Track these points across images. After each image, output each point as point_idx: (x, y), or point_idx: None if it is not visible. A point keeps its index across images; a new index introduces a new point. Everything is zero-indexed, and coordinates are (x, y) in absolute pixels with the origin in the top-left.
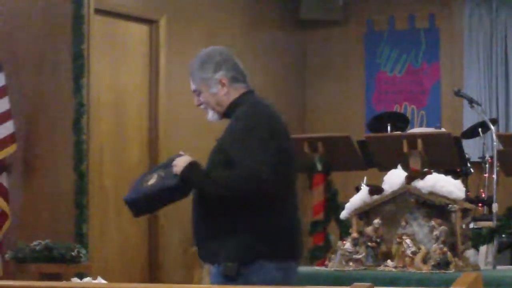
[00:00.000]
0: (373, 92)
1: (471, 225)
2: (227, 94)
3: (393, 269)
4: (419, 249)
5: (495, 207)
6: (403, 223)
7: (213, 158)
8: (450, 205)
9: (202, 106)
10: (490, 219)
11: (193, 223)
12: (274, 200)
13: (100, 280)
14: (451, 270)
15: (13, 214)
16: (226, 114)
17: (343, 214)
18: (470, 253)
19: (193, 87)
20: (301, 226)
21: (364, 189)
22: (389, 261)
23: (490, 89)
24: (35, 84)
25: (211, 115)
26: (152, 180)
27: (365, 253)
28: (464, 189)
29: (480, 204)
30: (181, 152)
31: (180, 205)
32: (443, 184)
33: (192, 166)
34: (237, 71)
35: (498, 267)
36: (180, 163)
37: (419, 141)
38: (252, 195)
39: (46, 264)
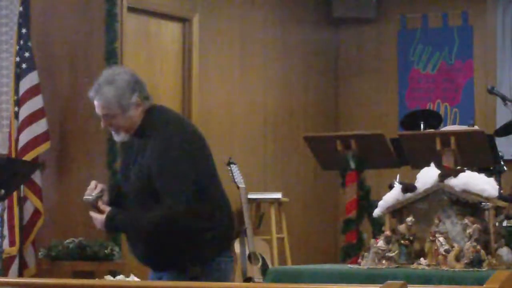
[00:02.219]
0: (406, 89)
1: (505, 223)
2: (140, 114)
3: (426, 267)
4: (452, 247)
5: None
6: (436, 221)
7: (138, 185)
8: (483, 203)
9: (112, 129)
10: None
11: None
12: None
13: (133, 278)
14: (485, 268)
15: (47, 212)
16: (135, 133)
17: (376, 212)
18: (503, 251)
19: (104, 111)
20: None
21: (397, 187)
22: (422, 259)
23: None
24: (68, 83)
25: (122, 137)
26: None
27: (398, 251)
28: (497, 187)
29: None
30: (88, 197)
31: None
32: (476, 182)
33: (110, 221)
34: (145, 89)
35: None
36: (98, 223)
37: (452, 139)
38: (176, 228)
39: (79, 262)
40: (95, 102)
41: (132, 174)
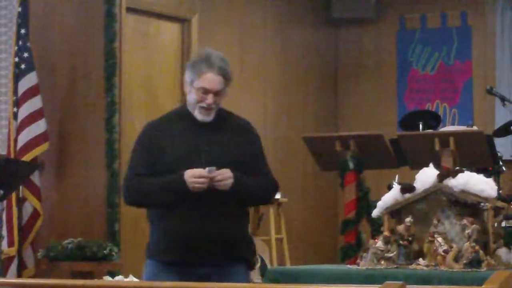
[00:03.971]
0: (405, 90)
1: (503, 224)
2: None
3: (425, 268)
4: (451, 247)
5: None
6: (435, 222)
7: (230, 163)
8: (482, 204)
9: (213, 106)
10: None
11: (215, 226)
12: None
13: (132, 278)
14: (483, 268)
15: (46, 212)
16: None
17: (375, 213)
18: (502, 251)
19: (220, 86)
20: None
21: (396, 187)
22: (420, 259)
23: None
24: (67, 83)
25: (211, 116)
26: None
27: (396, 251)
28: (496, 187)
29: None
30: (210, 168)
31: None
32: (475, 183)
33: (238, 178)
34: None
35: None
36: (227, 177)
37: (451, 139)
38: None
39: (78, 263)
40: (214, 76)
41: (218, 152)
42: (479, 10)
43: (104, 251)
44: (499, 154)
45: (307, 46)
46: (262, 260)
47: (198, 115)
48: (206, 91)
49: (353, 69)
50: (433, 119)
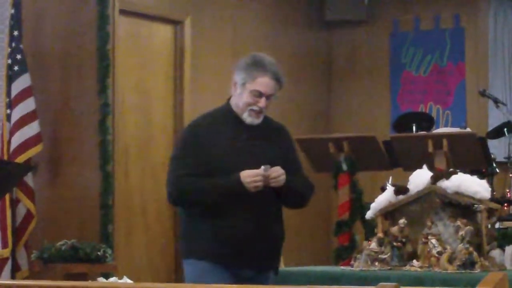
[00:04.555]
0: (398, 92)
1: (497, 225)
2: None
3: (419, 269)
4: (445, 249)
5: None
6: (428, 223)
7: (276, 162)
8: (475, 205)
9: (264, 109)
10: None
11: (266, 228)
12: None
13: (126, 280)
14: (477, 270)
15: (39, 214)
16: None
17: (369, 214)
18: (495, 253)
19: (273, 90)
20: None
21: (390, 189)
22: (414, 261)
23: None
24: (60, 85)
25: (259, 119)
26: None
27: (390, 253)
28: (489, 189)
29: (505, 204)
30: (265, 167)
31: None
32: (469, 184)
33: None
34: None
35: None
36: (280, 173)
37: (444, 141)
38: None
39: (71, 264)
40: (268, 80)
41: (265, 153)
42: (472, 12)
43: (98, 253)
44: (492, 155)
45: (300, 48)
46: None
47: (248, 117)
48: (259, 94)
49: (346, 71)
50: (426, 121)
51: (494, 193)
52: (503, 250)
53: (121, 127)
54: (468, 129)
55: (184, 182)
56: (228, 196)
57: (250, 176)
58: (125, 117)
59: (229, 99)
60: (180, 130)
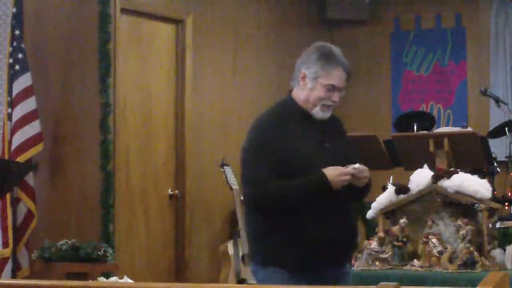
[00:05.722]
0: (400, 91)
1: (498, 225)
2: None
3: (419, 269)
4: (446, 248)
5: None
6: (429, 223)
7: (348, 155)
8: (476, 205)
9: (333, 104)
10: None
11: (349, 225)
12: None
13: (126, 280)
14: (478, 269)
15: (40, 213)
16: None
17: (370, 214)
18: (496, 252)
19: (345, 83)
20: None
21: (391, 188)
22: (415, 260)
23: None
24: (61, 84)
25: (329, 114)
26: None
27: (391, 252)
28: (490, 188)
29: (506, 204)
30: (357, 166)
31: (208, 204)
32: (470, 184)
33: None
34: None
35: None
36: (365, 172)
37: (446, 141)
38: None
39: (72, 264)
40: (342, 73)
41: (339, 148)
42: (474, 12)
43: (99, 252)
44: (493, 155)
45: (301, 47)
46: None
47: (319, 112)
48: (333, 88)
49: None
50: (428, 120)
51: (495, 192)
52: (504, 250)
53: (122, 126)
54: (469, 129)
55: (266, 188)
56: (313, 195)
57: (340, 174)
58: (126, 117)
59: (289, 93)
60: (181, 129)
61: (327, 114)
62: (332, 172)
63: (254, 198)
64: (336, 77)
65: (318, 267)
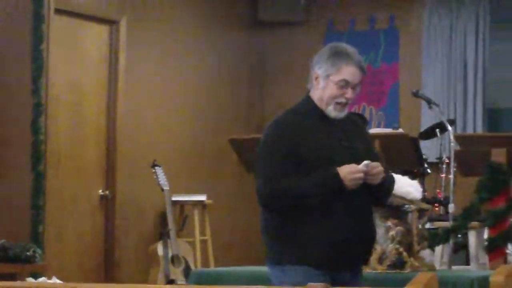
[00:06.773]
0: None
1: (428, 225)
2: None
3: None
4: (375, 249)
5: (451, 207)
6: None
7: (368, 154)
8: (406, 206)
9: (349, 101)
10: (446, 220)
11: (369, 227)
12: None
13: (55, 280)
14: (407, 270)
15: None
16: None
17: None
18: (426, 253)
19: (359, 79)
20: None
21: None
22: None
23: (448, 90)
24: None
25: (344, 112)
26: None
27: None
28: (421, 189)
29: (436, 205)
30: (366, 163)
31: (138, 204)
32: (401, 185)
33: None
34: None
35: (453, 267)
36: (380, 172)
37: (377, 142)
38: None
39: (1, 264)
40: (354, 69)
41: (357, 147)
42: (407, 13)
43: (27, 253)
44: (424, 156)
45: (234, 48)
46: (186, 262)
47: (332, 111)
48: (346, 84)
49: (281, 71)
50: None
51: (426, 193)
52: (433, 250)
53: (53, 127)
54: (401, 130)
55: (280, 187)
56: (325, 193)
57: (352, 172)
58: (58, 117)
59: (307, 94)
60: (113, 130)
61: (341, 113)
62: (345, 170)
63: (268, 195)
64: (347, 72)
65: (332, 269)
